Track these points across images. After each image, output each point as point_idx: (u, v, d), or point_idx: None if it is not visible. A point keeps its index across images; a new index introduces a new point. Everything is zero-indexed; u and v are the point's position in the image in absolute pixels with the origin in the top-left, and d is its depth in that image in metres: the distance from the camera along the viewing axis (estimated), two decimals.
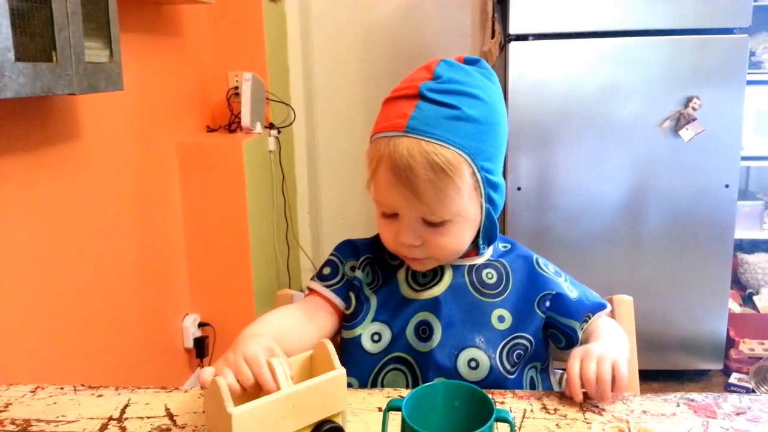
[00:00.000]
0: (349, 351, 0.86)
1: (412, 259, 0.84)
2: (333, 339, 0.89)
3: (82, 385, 0.82)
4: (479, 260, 0.87)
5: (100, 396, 0.80)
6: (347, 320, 0.87)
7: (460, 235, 0.81)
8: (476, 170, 0.78)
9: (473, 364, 0.81)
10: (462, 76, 0.79)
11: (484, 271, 0.86)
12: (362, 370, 0.84)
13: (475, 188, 0.79)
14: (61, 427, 0.73)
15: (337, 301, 0.88)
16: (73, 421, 0.74)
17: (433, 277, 0.86)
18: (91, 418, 0.74)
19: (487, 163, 0.79)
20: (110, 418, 0.74)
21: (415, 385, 0.82)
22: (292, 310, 0.88)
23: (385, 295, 0.87)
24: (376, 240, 0.92)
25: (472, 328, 0.83)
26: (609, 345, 0.77)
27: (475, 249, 0.87)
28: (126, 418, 0.74)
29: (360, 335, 0.85)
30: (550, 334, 0.87)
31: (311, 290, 0.90)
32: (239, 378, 0.65)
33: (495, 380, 0.81)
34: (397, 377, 0.83)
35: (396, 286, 0.87)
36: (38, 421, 0.74)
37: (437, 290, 0.85)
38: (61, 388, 0.81)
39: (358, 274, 0.88)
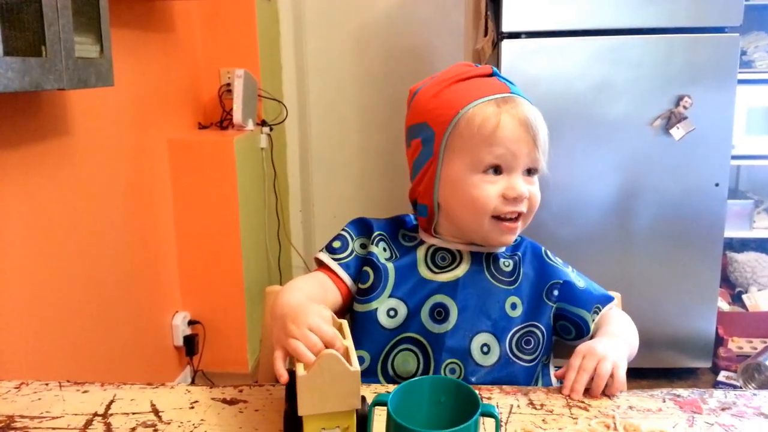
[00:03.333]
0: (362, 325, 0.87)
1: (511, 224, 0.85)
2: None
3: (68, 381, 0.82)
4: (498, 249, 0.90)
5: (85, 392, 0.79)
6: (363, 294, 0.88)
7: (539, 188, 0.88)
8: None
9: (485, 348, 0.84)
10: None
11: (501, 260, 0.90)
12: (376, 344, 0.86)
13: None
14: (45, 423, 0.72)
15: (344, 275, 0.89)
16: (57, 417, 0.73)
17: (452, 260, 0.88)
18: (76, 414, 0.74)
19: None
20: (95, 414, 0.74)
21: (426, 366, 0.84)
22: (313, 280, 0.89)
23: (403, 269, 0.88)
24: (390, 221, 0.95)
25: (486, 313, 0.85)
26: (613, 343, 0.79)
27: None
28: (111, 414, 0.74)
29: (376, 309, 0.86)
30: (560, 326, 0.89)
31: (319, 262, 0.91)
32: (308, 345, 0.65)
33: (506, 365, 0.84)
34: (408, 357, 0.85)
35: (414, 264, 0.89)
36: (22, 417, 0.74)
37: (455, 274, 0.87)
38: (46, 384, 0.81)
39: (372, 249, 0.90)
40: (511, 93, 0.85)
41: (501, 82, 0.87)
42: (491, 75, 0.88)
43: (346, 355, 0.65)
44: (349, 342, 0.68)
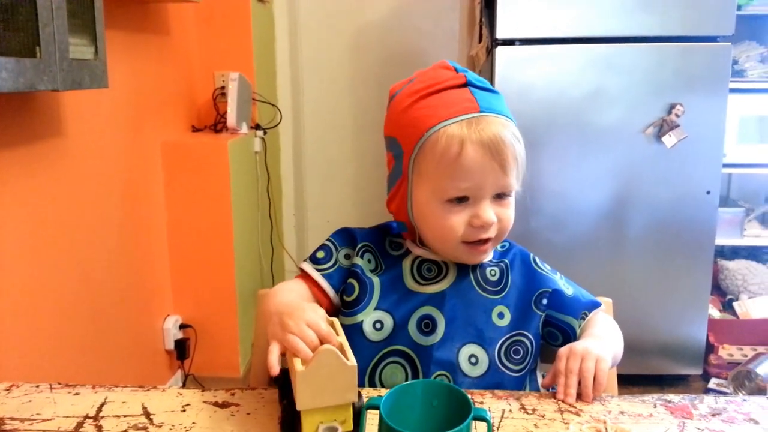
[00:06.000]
0: (348, 338, 0.85)
1: (481, 246, 0.84)
2: None
3: (59, 384, 0.81)
4: (484, 259, 0.89)
5: (76, 394, 0.79)
6: (348, 307, 0.87)
7: (513, 208, 0.85)
8: None
9: (473, 360, 0.83)
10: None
11: (488, 269, 0.89)
12: (362, 357, 0.84)
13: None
14: (35, 426, 0.72)
15: (326, 286, 0.89)
16: (48, 420, 0.73)
17: (439, 272, 0.88)
18: (67, 417, 0.73)
19: None
20: (86, 417, 0.73)
21: (414, 379, 0.83)
22: (297, 285, 0.89)
23: (389, 281, 0.88)
24: (375, 230, 0.94)
25: (473, 324, 0.85)
26: (594, 342, 0.79)
27: None
28: (102, 417, 0.73)
29: (362, 322, 0.86)
30: (547, 332, 0.89)
31: (303, 272, 0.91)
32: (305, 341, 0.67)
33: (495, 377, 0.83)
34: (396, 370, 0.84)
35: (400, 275, 0.88)
36: (12, 419, 0.73)
37: (442, 285, 0.87)
38: (37, 386, 0.80)
39: (357, 261, 0.89)
40: (479, 111, 0.80)
41: (471, 97, 0.81)
42: (465, 85, 0.83)
43: (342, 350, 0.67)
44: (343, 338, 0.70)
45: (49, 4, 1.20)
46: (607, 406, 0.75)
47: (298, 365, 0.64)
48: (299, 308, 0.72)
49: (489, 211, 0.81)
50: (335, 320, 0.74)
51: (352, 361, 0.65)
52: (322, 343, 0.67)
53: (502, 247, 0.93)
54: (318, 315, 0.71)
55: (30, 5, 1.17)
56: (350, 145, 2.82)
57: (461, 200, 0.82)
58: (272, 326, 0.72)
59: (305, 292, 0.88)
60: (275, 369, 0.67)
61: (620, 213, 2.14)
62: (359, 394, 0.67)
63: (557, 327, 0.89)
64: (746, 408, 0.75)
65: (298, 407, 0.64)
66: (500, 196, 0.83)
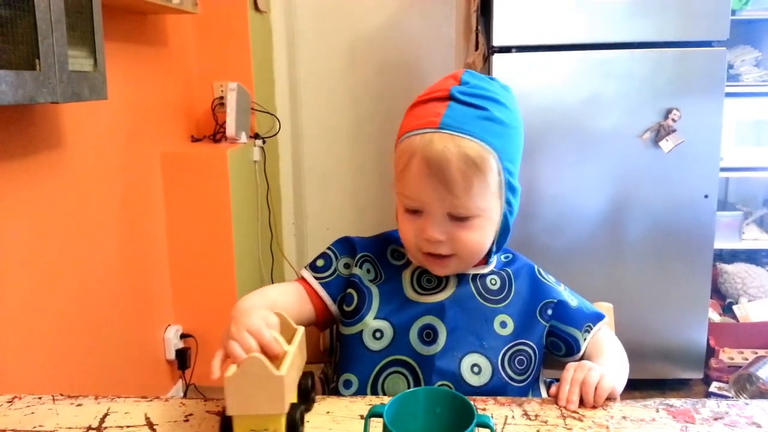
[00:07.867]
0: (350, 347, 0.86)
1: (435, 259, 0.84)
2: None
3: (61, 395, 0.81)
4: (484, 270, 0.90)
5: (79, 405, 0.79)
6: (349, 317, 0.87)
7: (483, 232, 0.82)
8: (501, 169, 0.80)
9: (476, 369, 0.83)
10: (486, 84, 0.84)
11: (488, 278, 0.89)
12: (363, 367, 0.84)
13: (500, 188, 0.81)
14: None
15: (324, 294, 0.89)
16: (50, 431, 0.73)
17: (438, 283, 0.88)
18: (70, 428, 0.73)
19: (509, 164, 0.82)
20: (89, 428, 0.73)
21: None
22: (288, 289, 0.90)
23: (388, 291, 0.88)
24: (376, 240, 0.94)
25: (475, 333, 0.85)
26: (604, 368, 0.79)
27: (482, 259, 0.88)
28: (105, 428, 0.73)
29: (362, 331, 0.86)
30: (551, 342, 0.90)
31: (302, 279, 0.91)
32: (244, 348, 0.67)
33: (498, 386, 0.83)
34: (398, 380, 0.84)
35: (399, 285, 0.88)
36: (15, 431, 0.73)
37: (442, 296, 0.86)
38: (39, 398, 0.80)
39: (356, 271, 0.89)
40: (437, 126, 0.78)
41: (440, 111, 0.79)
42: (447, 98, 0.81)
43: (281, 359, 0.67)
44: (292, 348, 0.70)
45: (48, 16, 1.21)
46: (609, 411, 0.75)
47: (229, 371, 0.65)
48: (245, 314, 0.71)
49: (434, 229, 0.81)
50: (299, 329, 0.74)
51: (282, 372, 0.64)
52: (265, 350, 0.67)
53: (506, 257, 0.93)
54: (262, 322, 0.70)
55: (29, 18, 1.17)
56: (349, 153, 2.83)
57: (415, 211, 0.83)
58: (223, 331, 0.74)
59: (295, 296, 0.88)
60: (215, 373, 0.68)
61: (618, 218, 2.14)
62: (295, 405, 0.67)
63: (561, 338, 0.89)
64: (748, 411, 0.75)
65: (227, 412, 0.65)
66: (459, 219, 0.81)
